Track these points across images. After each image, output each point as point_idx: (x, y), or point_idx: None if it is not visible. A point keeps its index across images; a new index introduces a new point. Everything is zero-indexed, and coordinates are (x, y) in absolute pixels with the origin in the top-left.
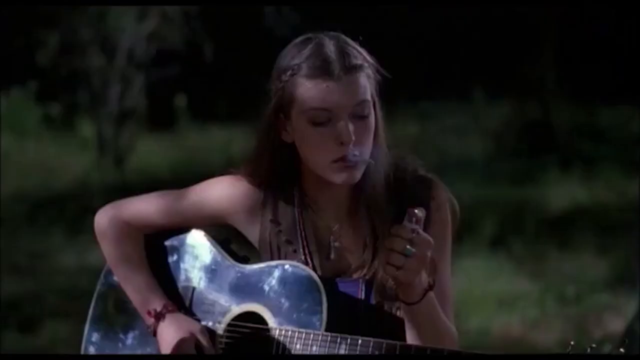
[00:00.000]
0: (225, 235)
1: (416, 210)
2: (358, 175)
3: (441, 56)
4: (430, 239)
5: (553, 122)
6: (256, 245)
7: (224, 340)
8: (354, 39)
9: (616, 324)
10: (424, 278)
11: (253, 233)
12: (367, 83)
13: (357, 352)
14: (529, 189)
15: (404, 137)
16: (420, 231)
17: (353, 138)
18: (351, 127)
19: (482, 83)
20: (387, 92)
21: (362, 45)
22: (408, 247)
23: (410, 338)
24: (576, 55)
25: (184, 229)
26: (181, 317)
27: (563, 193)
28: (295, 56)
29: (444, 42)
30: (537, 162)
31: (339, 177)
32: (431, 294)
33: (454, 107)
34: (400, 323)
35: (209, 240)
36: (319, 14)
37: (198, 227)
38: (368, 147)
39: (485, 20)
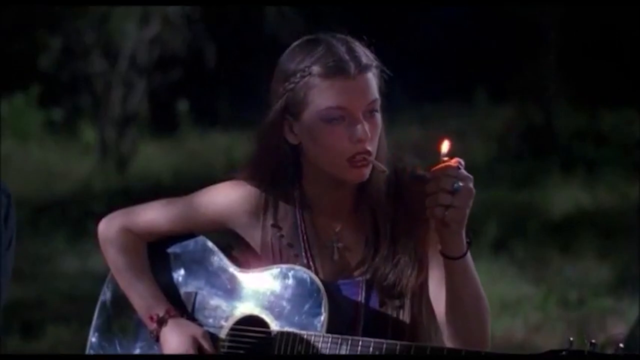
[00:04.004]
0: (227, 242)
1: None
2: (368, 172)
3: (443, 59)
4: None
5: (555, 125)
6: (258, 250)
7: (226, 344)
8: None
9: (619, 328)
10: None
11: (255, 237)
12: (375, 82)
13: (358, 353)
14: (531, 192)
15: (406, 140)
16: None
17: (369, 135)
18: (366, 125)
19: (484, 86)
20: (389, 95)
21: (366, 46)
22: (456, 184)
23: (453, 302)
24: (578, 58)
25: (187, 236)
26: (183, 321)
27: (565, 196)
28: (304, 58)
29: (446, 45)
30: (539, 165)
31: (352, 175)
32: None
33: (456, 110)
34: (400, 323)
35: (210, 246)
36: (320, 16)
37: (201, 233)
38: (376, 145)
39: (487, 23)
